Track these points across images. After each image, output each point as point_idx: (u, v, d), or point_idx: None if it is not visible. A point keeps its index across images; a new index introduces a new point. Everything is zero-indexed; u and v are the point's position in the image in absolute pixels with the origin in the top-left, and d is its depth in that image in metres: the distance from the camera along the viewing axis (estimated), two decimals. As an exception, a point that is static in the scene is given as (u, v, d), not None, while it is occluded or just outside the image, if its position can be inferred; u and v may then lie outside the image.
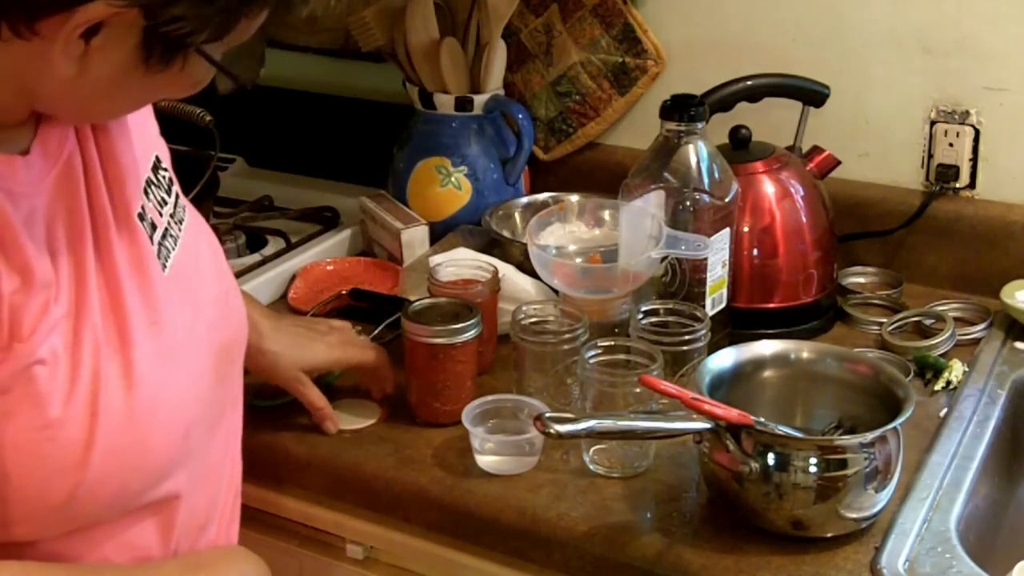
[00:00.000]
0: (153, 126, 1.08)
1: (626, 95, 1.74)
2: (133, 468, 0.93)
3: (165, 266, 0.99)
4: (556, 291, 1.41)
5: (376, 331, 1.43)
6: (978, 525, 1.20)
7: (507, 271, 1.45)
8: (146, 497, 0.96)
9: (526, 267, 1.44)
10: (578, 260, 1.41)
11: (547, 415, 1.02)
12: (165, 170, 1.05)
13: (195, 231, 1.06)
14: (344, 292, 1.55)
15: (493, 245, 1.59)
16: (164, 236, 1.00)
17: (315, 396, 1.29)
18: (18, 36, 0.80)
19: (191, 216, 1.06)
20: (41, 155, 0.91)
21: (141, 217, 0.98)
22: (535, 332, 1.31)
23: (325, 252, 1.70)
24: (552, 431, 1.01)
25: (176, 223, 1.03)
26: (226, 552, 1.08)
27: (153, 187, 1.01)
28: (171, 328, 0.97)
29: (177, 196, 1.05)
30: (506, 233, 1.61)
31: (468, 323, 1.27)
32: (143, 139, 1.03)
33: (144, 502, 0.96)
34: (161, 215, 1.01)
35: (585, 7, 1.72)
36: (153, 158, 1.03)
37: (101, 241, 0.94)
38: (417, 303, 1.31)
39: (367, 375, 1.34)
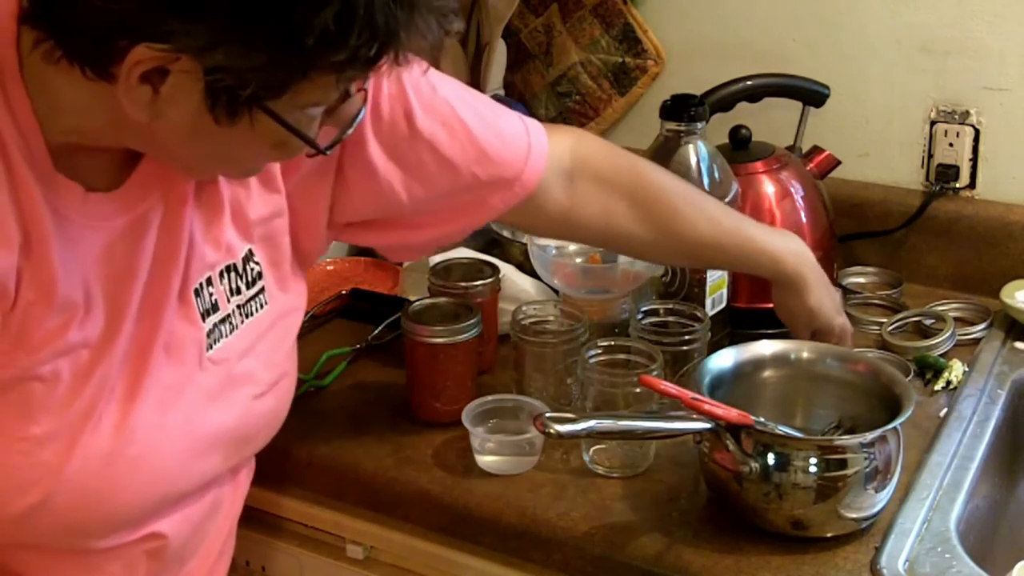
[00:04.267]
0: (280, 224, 1.06)
1: (626, 95, 1.74)
2: (93, 511, 0.93)
3: (211, 347, 0.99)
4: (556, 291, 1.41)
5: (376, 331, 1.43)
6: (978, 525, 1.20)
7: (507, 271, 1.45)
8: (104, 542, 0.96)
9: (526, 267, 1.44)
10: (578, 260, 1.41)
11: (547, 415, 1.02)
12: (256, 263, 1.04)
13: (265, 325, 1.05)
14: (344, 292, 1.55)
15: (493, 245, 1.58)
16: (223, 320, 1.00)
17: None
18: (100, 78, 0.81)
19: (271, 314, 1.05)
20: (116, 204, 0.91)
21: (197, 293, 0.98)
22: (535, 332, 1.31)
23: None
24: (552, 431, 1.01)
25: (242, 314, 1.02)
26: None
27: (233, 274, 1.01)
28: (188, 405, 0.97)
29: (260, 291, 1.04)
30: (506, 233, 1.61)
31: (468, 323, 1.27)
32: (243, 230, 1.02)
33: (104, 546, 0.96)
34: (229, 302, 1.01)
35: (585, 7, 1.72)
36: (246, 250, 1.03)
37: (151, 301, 0.94)
38: (417, 303, 1.31)
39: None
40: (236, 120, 0.82)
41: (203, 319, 0.98)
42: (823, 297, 1.26)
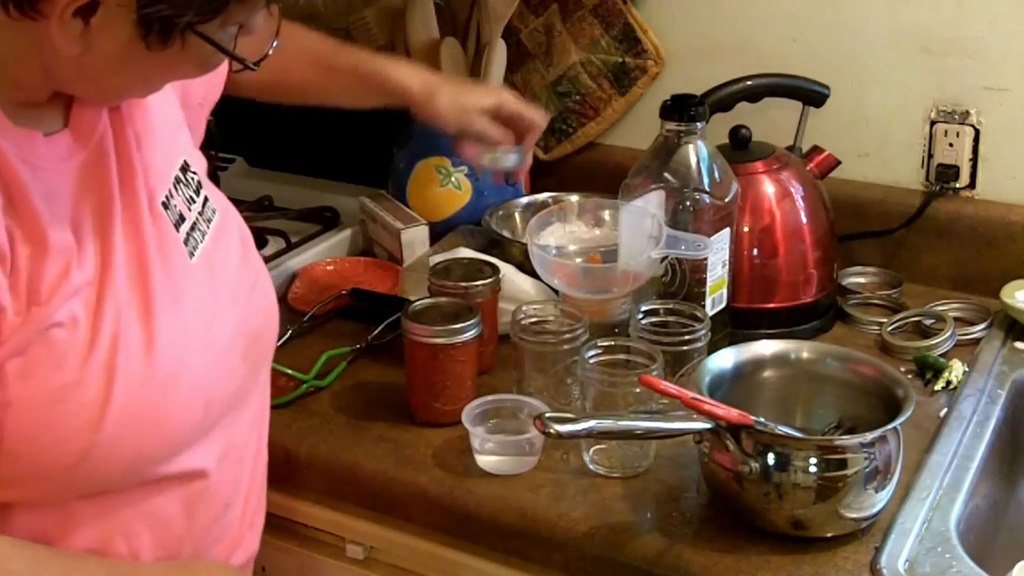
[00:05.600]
0: (186, 136, 1.12)
1: (626, 95, 1.74)
2: (149, 435, 0.95)
3: (193, 253, 1.03)
4: (556, 291, 1.41)
5: (376, 331, 1.43)
6: (978, 525, 1.20)
7: (507, 271, 1.45)
8: (165, 468, 0.99)
9: (526, 267, 1.44)
10: (578, 260, 1.41)
11: (547, 415, 1.02)
12: (194, 173, 1.09)
13: (225, 228, 1.09)
14: (344, 292, 1.55)
15: (493, 245, 1.58)
16: (192, 228, 1.04)
17: (484, 126, 1.40)
18: (24, 15, 0.84)
19: (223, 216, 1.10)
20: (71, 137, 0.96)
21: (165, 205, 1.02)
22: (535, 332, 1.31)
23: (325, 252, 1.70)
24: (552, 431, 1.01)
25: (204, 220, 1.07)
26: (211, 565, 1.09)
27: (182, 185, 1.06)
28: (194, 308, 1.00)
29: (207, 199, 1.09)
30: (506, 233, 1.61)
31: (468, 323, 1.27)
32: (173, 142, 1.07)
33: (163, 473, 0.99)
34: (190, 210, 1.05)
35: (585, 7, 1.72)
36: (181, 161, 1.08)
37: (130, 221, 0.98)
38: (417, 303, 1.31)
39: (519, 124, 1.42)
40: (168, 45, 0.86)
41: (176, 229, 1.02)
42: (456, 93, 1.39)
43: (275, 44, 0.97)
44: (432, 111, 1.39)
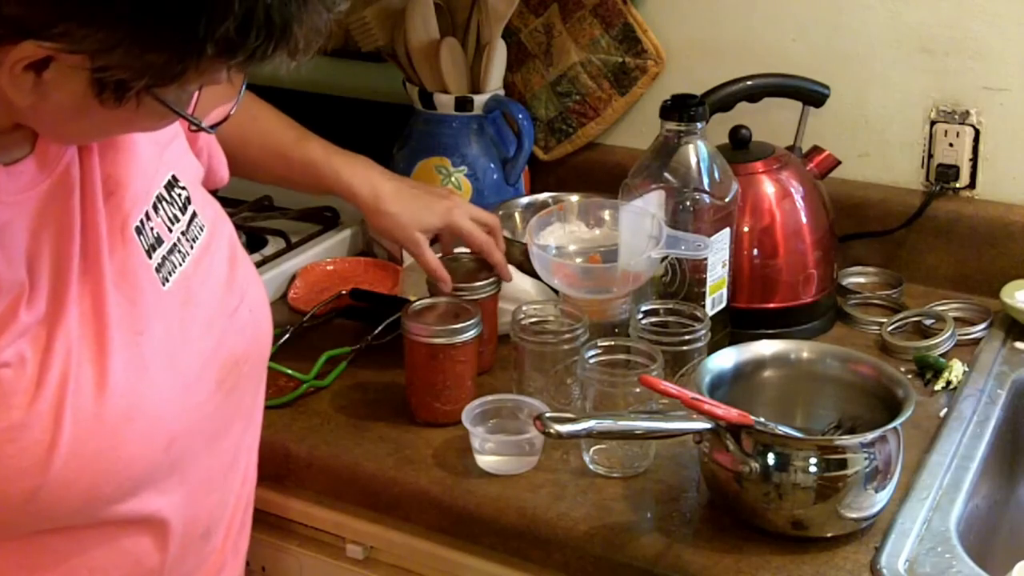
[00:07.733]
0: (178, 146, 1.09)
1: (626, 95, 1.74)
2: (103, 474, 0.92)
3: (167, 280, 0.99)
4: (556, 291, 1.41)
5: (376, 331, 1.43)
6: (978, 525, 1.20)
7: (507, 271, 1.45)
8: (126, 507, 0.96)
9: (526, 267, 1.44)
10: (578, 260, 1.41)
11: (547, 415, 1.02)
12: (182, 188, 1.05)
13: (211, 248, 1.06)
14: (344, 292, 1.55)
15: (493, 245, 1.58)
16: (171, 251, 1.01)
17: (430, 258, 1.35)
18: None
19: (211, 234, 1.07)
20: (36, 166, 0.92)
21: (138, 231, 0.98)
22: (535, 332, 1.31)
23: (325, 252, 1.69)
24: (552, 431, 1.01)
25: (188, 240, 1.03)
26: None
27: (165, 203, 1.02)
28: (161, 340, 0.97)
29: (194, 215, 1.05)
30: (506, 233, 1.61)
31: (468, 323, 1.27)
32: (157, 158, 1.04)
33: (125, 512, 0.96)
34: (171, 231, 1.02)
35: (585, 7, 1.72)
36: (168, 177, 1.04)
37: (90, 252, 0.95)
38: (417, 303, 1.31)
39: (472, 244, 1.40)
40: (123, 104, 0.84)
41: (149, 255, 0.99)
42: (403, 211, 1.36)
43: (233, 108, 0.95)
44: (377, 226, 1.39)
